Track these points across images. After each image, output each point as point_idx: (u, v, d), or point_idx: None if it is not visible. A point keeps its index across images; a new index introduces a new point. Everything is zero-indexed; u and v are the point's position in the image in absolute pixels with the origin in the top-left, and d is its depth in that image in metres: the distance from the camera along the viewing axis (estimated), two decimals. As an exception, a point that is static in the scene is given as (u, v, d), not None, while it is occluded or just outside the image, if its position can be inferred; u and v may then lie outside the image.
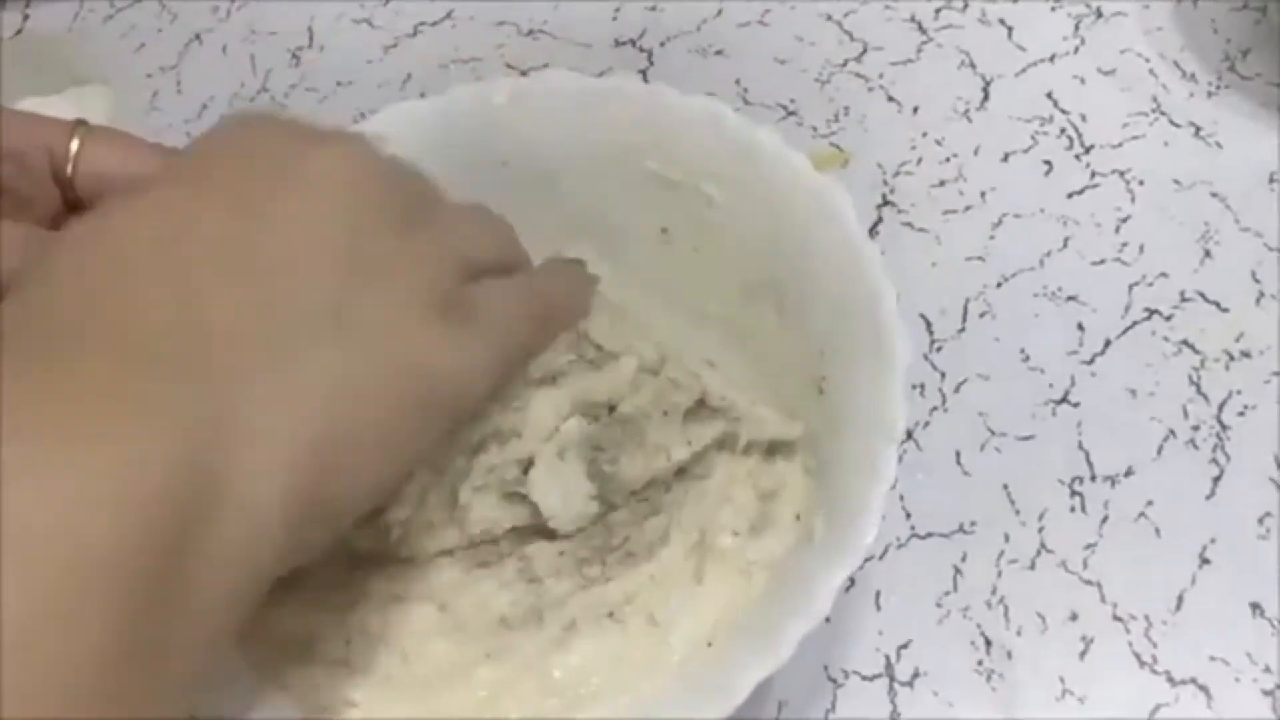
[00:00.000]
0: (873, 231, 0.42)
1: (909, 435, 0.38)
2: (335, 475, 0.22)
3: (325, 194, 0.24)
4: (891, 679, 0.35)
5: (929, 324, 0.41)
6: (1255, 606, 0.34)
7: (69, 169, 0.27)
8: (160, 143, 0.29)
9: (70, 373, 0.19)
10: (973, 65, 0.46)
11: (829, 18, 0.48)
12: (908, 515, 0.37)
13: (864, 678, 0.35)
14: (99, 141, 0.28)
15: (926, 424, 0.39)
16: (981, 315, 0.41)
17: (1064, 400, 0.39)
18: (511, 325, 0.27)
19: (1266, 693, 0.33)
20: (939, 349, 0.40)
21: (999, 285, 0.41)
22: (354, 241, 0.23)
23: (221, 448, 0.20)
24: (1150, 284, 0.40)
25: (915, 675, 0.35)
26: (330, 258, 0.23)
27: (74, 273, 0.21)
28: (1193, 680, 0.34)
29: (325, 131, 0.26)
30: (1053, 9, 0.47)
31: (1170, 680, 0.34)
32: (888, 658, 0.35)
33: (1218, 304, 0.40)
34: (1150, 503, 0.36)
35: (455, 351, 0.24)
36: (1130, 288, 0.40)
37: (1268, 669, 0.33)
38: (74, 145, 0.27)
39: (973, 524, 0.37)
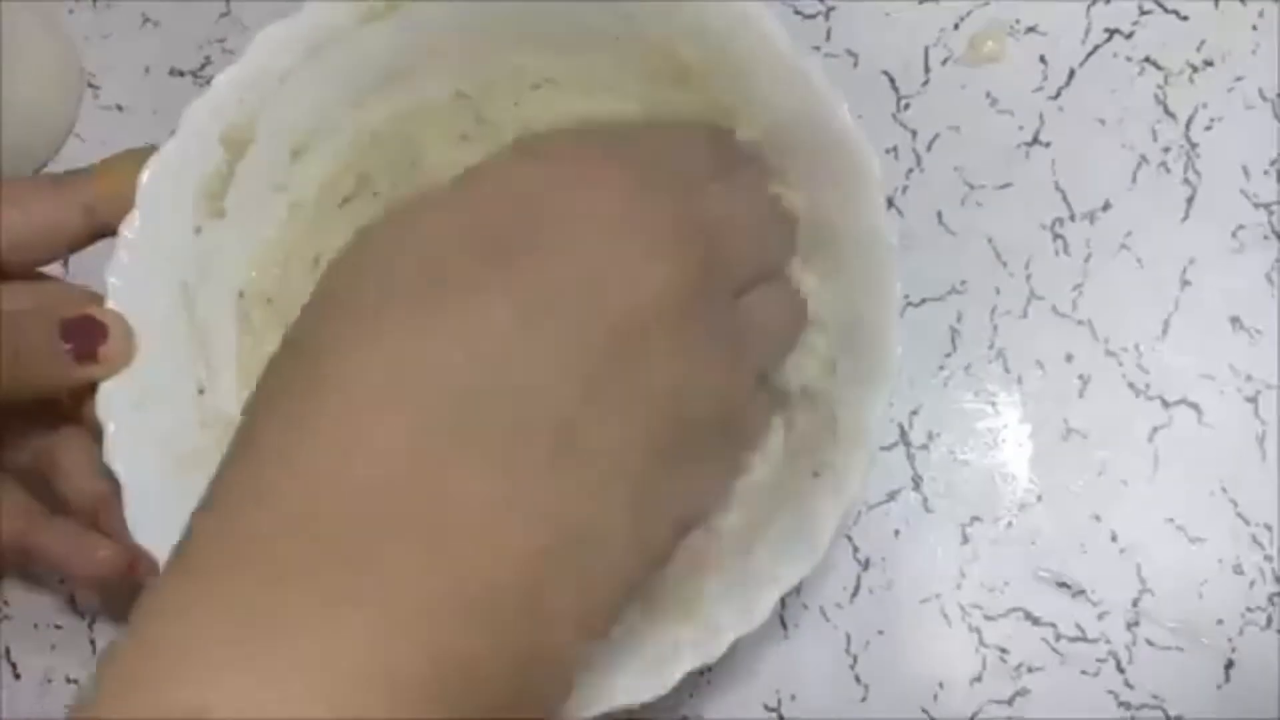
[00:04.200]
0: (821, -13, 0.41)
1: (890, 203, 0.39)
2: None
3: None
4: (908, 445, 0.37)
5: (893, 81, 0.40)
6: (1234, 320, 0.37)
7: None
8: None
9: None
10: None
11: None
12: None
13: (882, 448, 0.37)
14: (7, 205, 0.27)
15: (905, 188, 0.39)
16: (944, 62, 0.40)
17: (1035, 141, 0.39)
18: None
19: (1249, 399, 0.36)
20: (906, 107, 0.40)
21: (956, 26, 0.40)
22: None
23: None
24: (1107, 1, 0.40)
25: (930, 437, 0.37)
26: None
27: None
28: (1184, 400, 0.36)
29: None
30: None
31: (1164, 403, 0.36)
32: (901, 426, 0.37)
33: (1177, 13, 0.39)
34: (1129, 233, 0.38)
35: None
36: (1088, 8, 0.40)
37: (1249, 377, 0.36)
38: None
39: (963, 283, 0.38)
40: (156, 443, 0.31)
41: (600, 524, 0.22)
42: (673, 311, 0.23)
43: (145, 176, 0.31)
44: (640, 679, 0.29)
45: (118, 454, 0.30)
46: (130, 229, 0.31)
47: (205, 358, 0.33)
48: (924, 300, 0.38)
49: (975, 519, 0.36)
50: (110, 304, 0.30)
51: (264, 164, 0.34)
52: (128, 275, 0.31)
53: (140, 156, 0.31)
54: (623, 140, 0.27)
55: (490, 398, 0.21)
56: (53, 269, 0.34)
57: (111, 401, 0.30)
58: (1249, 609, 0.35)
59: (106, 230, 0.31)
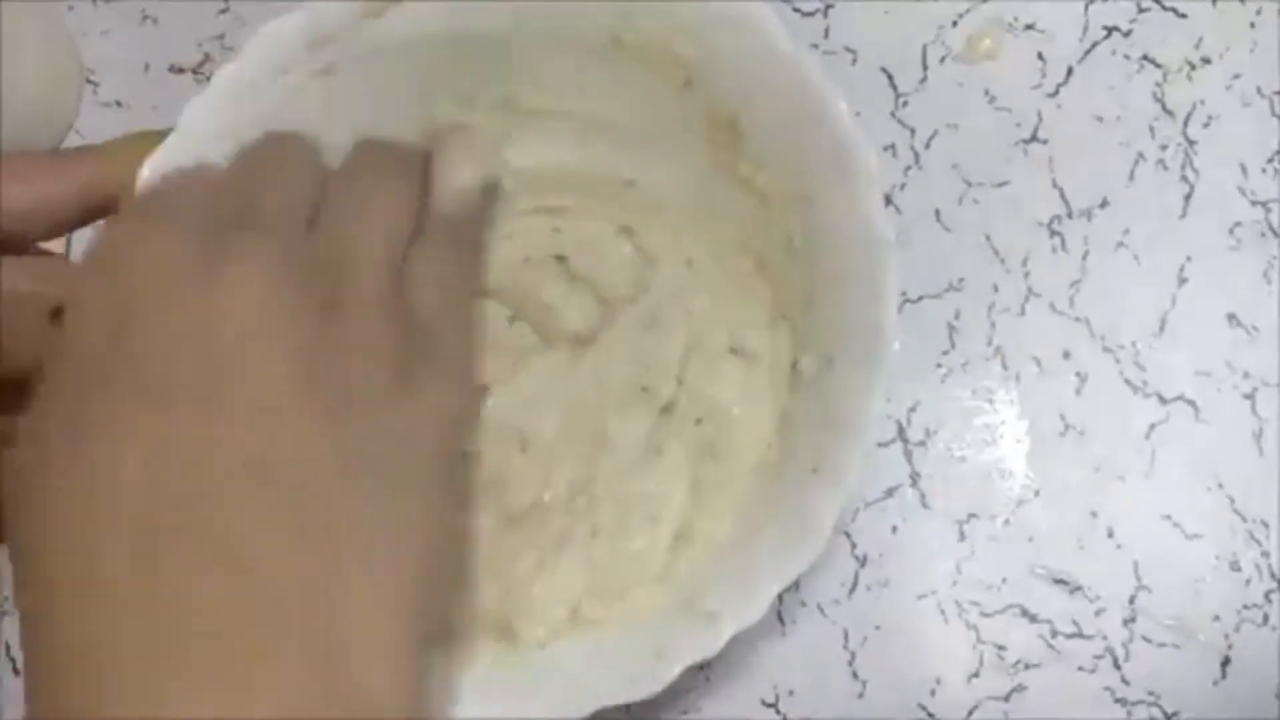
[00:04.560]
0: (820, -16, 0.41)
1: (888, 200, 0.39)
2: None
3: (259, 346, 0.22)
4: (906, 442, 0.37)
5: (891, 78, 0.40)
6: (1231, 316, 0.37)
7: None
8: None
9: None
10: None
11: None
12: (899, 282, 0.38)
13: (880, 445, 0.37)
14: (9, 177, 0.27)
15: (903, 185, 0.39)
16: (942, 60, 0.40)
17: (1033, 139, 0.39)
18: (460, 322, 0.26)
19: (1246, 396, 0.36)
20: (905, 104, 0.40)
21: (954, 24, 0.40)
22: (309, 385, 0.22)
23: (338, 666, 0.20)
24: (1106, -2, 0.40)
25: (928, 434, 0.37)
26: (302, 415, 0.22)
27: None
28: (1180, 397, 0.36)
29: (219, 254, 0.23)
30: None
31: (1161, 400, 0.36)
32: (899, 423, 0.37)
33: (1175, 10, 0.39)
34: (1127, 231, 0.38)
35: (444, 411, 0.24)
36: (1086, 6, 0.40)
37: (1246, 374, 0.36)
38: None
39: (961, 280, 0.38)
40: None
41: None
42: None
43: (145, 172, 0.31)
44: (638, 675, 0.30)
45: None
46: (129, 225, 0.31)
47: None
48: (922, 297, 0.38)
49: (972, 515, 0.36)
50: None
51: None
52: (127, 271, 0.31)
53: (150, 140, 0.31)
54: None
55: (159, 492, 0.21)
56: (55, 245, 0.34)
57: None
58: (1245, 606, 0.35)
59: (108, 210, 0.31)
